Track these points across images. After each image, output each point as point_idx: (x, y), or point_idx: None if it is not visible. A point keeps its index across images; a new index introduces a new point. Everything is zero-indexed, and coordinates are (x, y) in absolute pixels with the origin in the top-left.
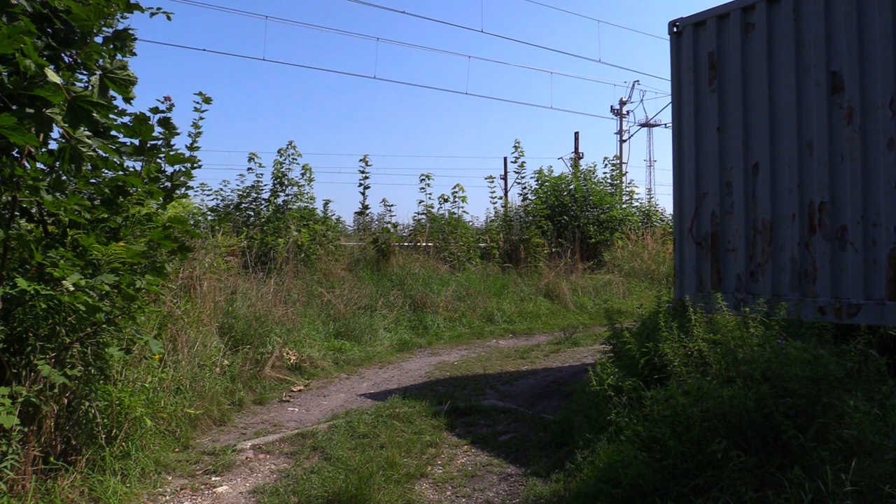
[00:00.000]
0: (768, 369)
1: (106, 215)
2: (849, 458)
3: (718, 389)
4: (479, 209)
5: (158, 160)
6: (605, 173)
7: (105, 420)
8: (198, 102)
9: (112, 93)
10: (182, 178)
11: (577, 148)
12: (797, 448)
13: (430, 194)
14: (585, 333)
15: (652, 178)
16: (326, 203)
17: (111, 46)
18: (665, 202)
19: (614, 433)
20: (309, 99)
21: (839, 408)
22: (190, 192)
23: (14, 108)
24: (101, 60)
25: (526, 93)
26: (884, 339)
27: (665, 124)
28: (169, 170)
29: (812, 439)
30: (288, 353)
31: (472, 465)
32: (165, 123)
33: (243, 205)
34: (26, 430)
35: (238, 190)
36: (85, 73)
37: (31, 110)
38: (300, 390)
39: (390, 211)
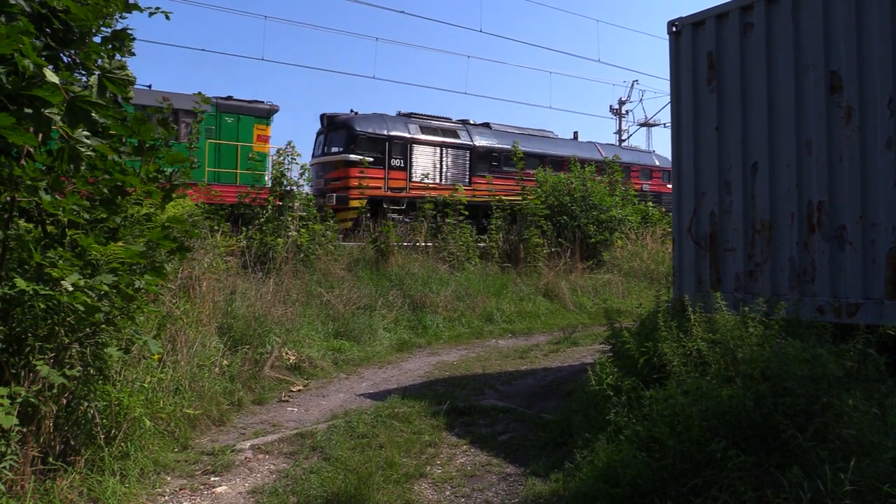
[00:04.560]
0: (767, 369)
1: (105, 215)
2: (848, 458)
3: (717, 389)
4: None
5: (157, 160)
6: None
7: (104, 420)
8: (197, 103)
9: (111, 92)
10: (181, 178)
11: None
12: (796, 447)
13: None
14: (585, 333)
15: None
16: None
17: (110, 46)
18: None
19: (613, 433)
20: (308, 98)
21: (838, 407)
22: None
23: (13, 108)
24: (99, 60)
25: (525, 92)
26: (883, 338)
27: (664, 124)
28: (168, 170)
29: (811, 439)
30: (287, 353)
31: (471, 464)
32: (164, 123)
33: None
34: (25, 430)
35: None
36: (84, 73)
37: (30, 110)
38: (299, 390)
39: None
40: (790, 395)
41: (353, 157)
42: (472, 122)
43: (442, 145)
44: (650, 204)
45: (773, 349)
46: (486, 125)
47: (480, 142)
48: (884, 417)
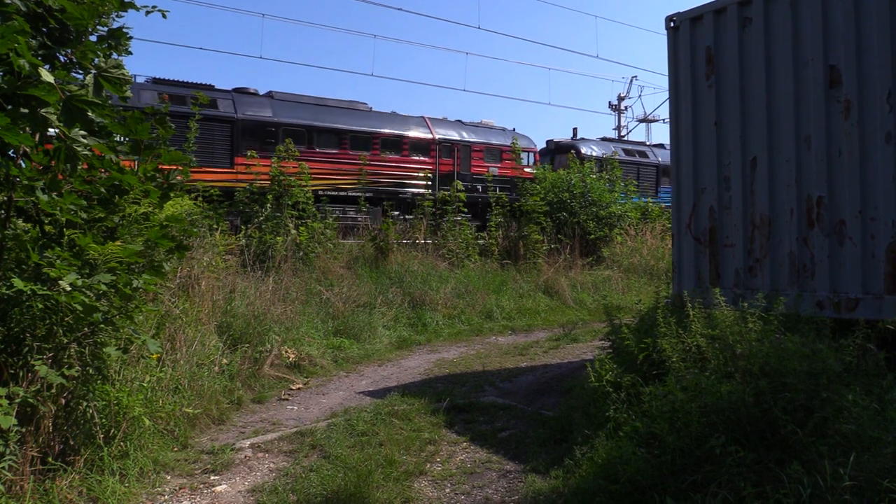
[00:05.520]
0: (767, 364)
1: (102, 215)
2: (847, 453)
3: (717, 385)
4: None
5: (155, 159)
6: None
7: (103, 420)
8: (195, 100)
9: (107, 91)
10: (179, 177)
11: None
12: (796, 443)
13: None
14: (584, 329)
15: None
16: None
17: (106, 45)
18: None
19: (613, 429)
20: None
21: (838, 402)
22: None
23: (9, 107)
24: (95, 59)
25: (524, 89)
26: (882, 333)
27: (663, 120)
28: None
29: (811, 434)
30: (287, 352)
31: (471, 462)
32: (162, 122)
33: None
34: (24, 430)
35: None
36: (80, 72)
37: (26, 110)
38: (299, 388)
39: None
40: (789, 390)
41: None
42: (251, 90)
43: (189, 117)
44: (498, 191)
45: (773, 345)
46: (269, 95)
47: (249, 114)
48: (883, 412)
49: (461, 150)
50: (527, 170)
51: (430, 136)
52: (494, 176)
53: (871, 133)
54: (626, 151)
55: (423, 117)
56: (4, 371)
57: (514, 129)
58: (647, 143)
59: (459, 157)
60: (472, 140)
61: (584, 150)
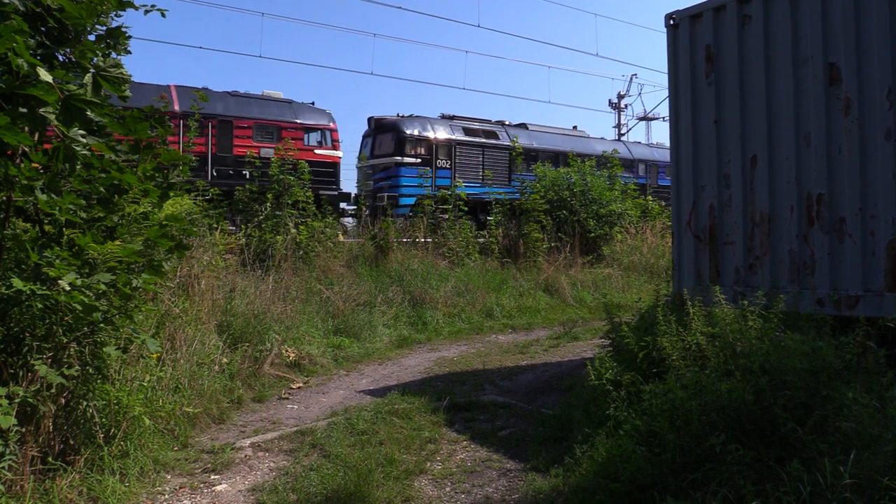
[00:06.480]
0: (767, 362)
1: (102, 214)
2: (847, 451)
3: (717, 383)
4: None
5: (154, 158)
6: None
7: (103, 419)
8: (194, 100)
9: (107, 91)
10: (179, 177)
11: None
12: (796, 441)
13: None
14: (585, 328)
15: None
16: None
17: (104, 45)
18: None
19: (613, 427)
20: (305, 95)
21: (838, 400)
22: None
23: (8, 107)
24: (94, 59)
25: (524, 87)
26: (882, 330)
27: (663, 118)
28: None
29: (810, 432)
30: (287, 351)
31: (471, 460)
32: (161, 121)
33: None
34: (24, 430)
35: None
36: (79, 71)
37: (25, 109)
38: (299, 387)
39: None
40: (789, 388)
41: None
42: None
43: None
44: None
45: (773, 342)
46: None
47: None
48: (883, 410)
49: (218, 127)
50: (320, 152)
51: (171, 108)
52: (268, 159)
53: (871, 130)
54: (470, 131)
55: (169, 86)
56: (4, 371)
57: (312, 104)
58: (505, 123)
59: (215, 135)
60: (235, 115)
61: (408, 131)
